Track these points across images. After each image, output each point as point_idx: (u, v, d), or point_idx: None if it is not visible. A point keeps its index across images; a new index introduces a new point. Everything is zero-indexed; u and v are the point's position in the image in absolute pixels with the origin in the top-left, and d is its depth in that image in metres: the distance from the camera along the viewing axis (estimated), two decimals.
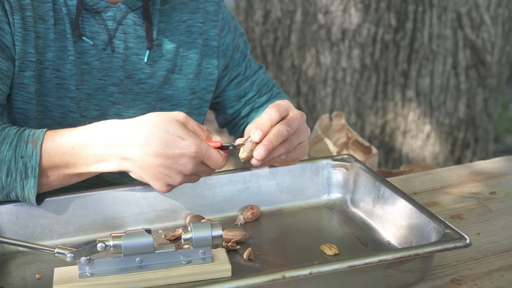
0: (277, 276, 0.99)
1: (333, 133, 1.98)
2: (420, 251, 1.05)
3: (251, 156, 1.24)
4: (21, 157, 1.19)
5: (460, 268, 1.17)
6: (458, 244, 1.06)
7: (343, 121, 2.00)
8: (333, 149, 1.89)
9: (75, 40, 1.40)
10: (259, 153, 1.22)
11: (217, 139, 1.23)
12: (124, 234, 1.13)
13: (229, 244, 1.23)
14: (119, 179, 1.46)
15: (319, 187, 1.40)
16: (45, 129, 1.22)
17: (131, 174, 1.22)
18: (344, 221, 1.32)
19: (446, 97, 2.98)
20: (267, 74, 1.66)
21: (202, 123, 1.56)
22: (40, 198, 1.24)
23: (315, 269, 1.00)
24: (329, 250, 1.21)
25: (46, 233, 1.26)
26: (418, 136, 2.99)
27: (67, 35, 1.39)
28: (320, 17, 2.71)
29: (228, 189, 1.35)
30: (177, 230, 1.29)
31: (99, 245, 1.11)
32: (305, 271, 1.00)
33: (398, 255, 1.04)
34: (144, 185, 1.30)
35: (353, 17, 2.70)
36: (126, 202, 1.30)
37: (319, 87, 2.81)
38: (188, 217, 1.32)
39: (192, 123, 1.21)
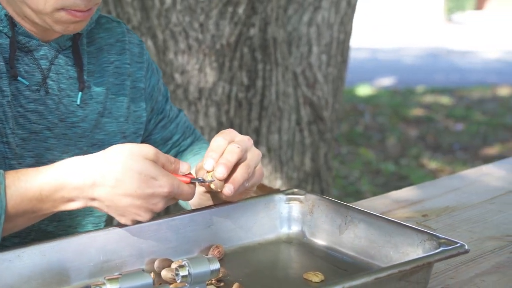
0: None
1: None
2: (432, 259, 1.08)
3: (222, 185, 1.23)
4: None
5: (442, 279, 1.23)
6: (460, 250, 1.11)
7: None
8: None
9: (10, 81, 1.28)
10: (220, 171, 1.20)
11: (185, 167, 1.21)
12: (120, 276, 1.04)
13: (213, 282, 1.18)
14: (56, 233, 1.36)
15: (275, 222, 1.38)
16: (2, 171, 1.12)
17: (97, 209, 1.17)
18: (310, 252, 1.32)
19: (293, 152, 3.11)
20: (187, 117, 1.63)
21: None
22: None
23: (347, 284, 1.00)
24: (315, 277, 1.20)
25: None
26: None
27: (1, 75, 1.27)
28: (177, 76, 2.71)
29: (190, 229, 1.30)
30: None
31: None
32: (338, 286, 0.99)
33: (414, 265, 1.06)
34: (106, 229, 1.21)
35: (208, 76, 2.74)
36: (90, 250, 1.19)
37: None
38: (157, 262, 1.24)
39: (162, 158, 1.18)
